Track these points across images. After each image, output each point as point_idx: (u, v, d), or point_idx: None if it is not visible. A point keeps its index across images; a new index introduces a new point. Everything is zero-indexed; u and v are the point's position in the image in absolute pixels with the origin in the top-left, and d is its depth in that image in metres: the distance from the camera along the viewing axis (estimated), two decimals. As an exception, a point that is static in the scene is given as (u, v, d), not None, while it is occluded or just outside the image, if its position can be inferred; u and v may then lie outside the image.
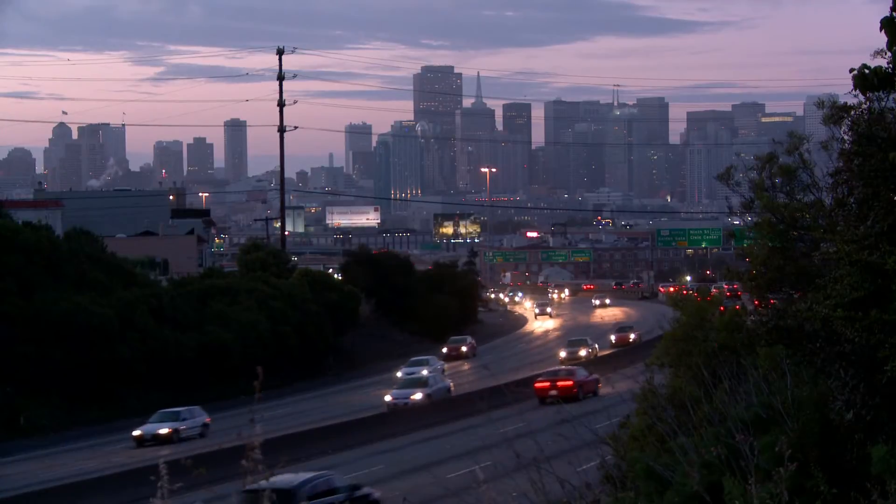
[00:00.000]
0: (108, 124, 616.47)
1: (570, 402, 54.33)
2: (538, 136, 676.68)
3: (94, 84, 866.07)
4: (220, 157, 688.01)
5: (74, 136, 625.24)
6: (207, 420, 57.75)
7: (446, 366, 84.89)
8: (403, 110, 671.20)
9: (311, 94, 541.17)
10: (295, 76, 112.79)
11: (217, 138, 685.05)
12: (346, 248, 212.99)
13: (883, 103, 15.28)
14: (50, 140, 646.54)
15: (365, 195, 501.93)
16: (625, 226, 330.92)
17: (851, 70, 14.20)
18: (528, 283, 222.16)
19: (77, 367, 66.79)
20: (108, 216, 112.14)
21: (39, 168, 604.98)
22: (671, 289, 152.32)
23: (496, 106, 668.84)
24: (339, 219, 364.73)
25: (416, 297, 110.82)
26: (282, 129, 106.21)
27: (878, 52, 14.20)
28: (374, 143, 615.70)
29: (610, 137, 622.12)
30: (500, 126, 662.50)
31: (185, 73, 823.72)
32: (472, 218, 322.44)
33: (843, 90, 15.48)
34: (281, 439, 46.16)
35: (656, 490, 14.52)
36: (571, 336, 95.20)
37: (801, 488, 12.38)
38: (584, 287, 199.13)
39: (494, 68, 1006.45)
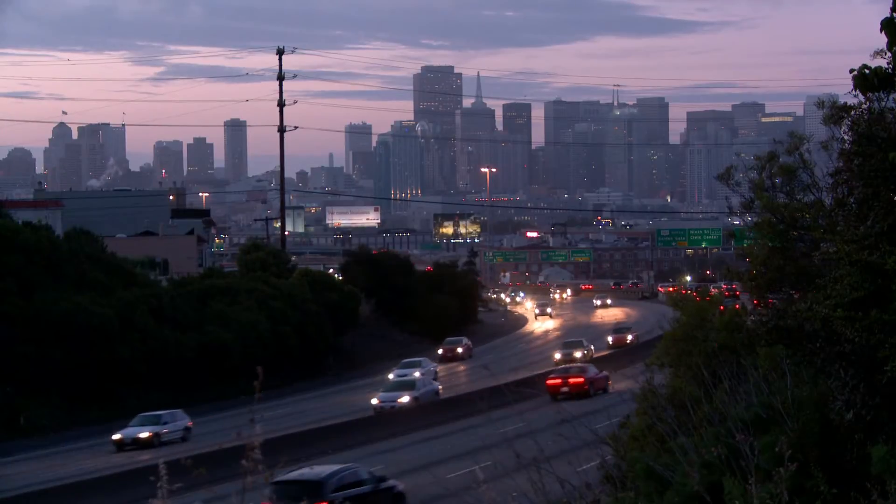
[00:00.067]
0: (108, 124, 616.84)
1: (582, 398, 56.72)
2: (538, 136, 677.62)
3: (94, 84, 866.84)
4: (220, 157, 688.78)
5: (74, 136, 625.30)
6: (189, 423, 56.98)
7: (441, 367, 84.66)
8: (403, 110, 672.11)
9: (311, 94, 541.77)
10: (295, 76, 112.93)
11: (217, 138, 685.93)
12: (346, 248, 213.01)
13: (883, 103, 15.28)
14: (50, 140, 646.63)
15: (365, 195, 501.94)
16: (625, 226, 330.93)
17: (851, 70, 14.22)
18: (527, 283, 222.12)
19: (77, 367, 66.80)
20: (108, 216, 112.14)
21: (39, 168, 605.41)
22: (670, 289, 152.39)
23: (496, 106, 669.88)
24: (339, 219, 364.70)
25: (416, 297, 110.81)
26: (282, 129, 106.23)
27: (878, 53, 14.22)
28: (374, 143, 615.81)
29: (610, 137, 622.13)
30: (500, 126, 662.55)
31: (185, 73, 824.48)
32: (472, 218, 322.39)
33: (843, 90, 15.50)
34: (281, 439, 46.15)
35: (656, 490, 14.52)
36: (572, 336, 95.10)
37: (801, 488, 12.38)
38: (583, 287, 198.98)
39: (494, 68, 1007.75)
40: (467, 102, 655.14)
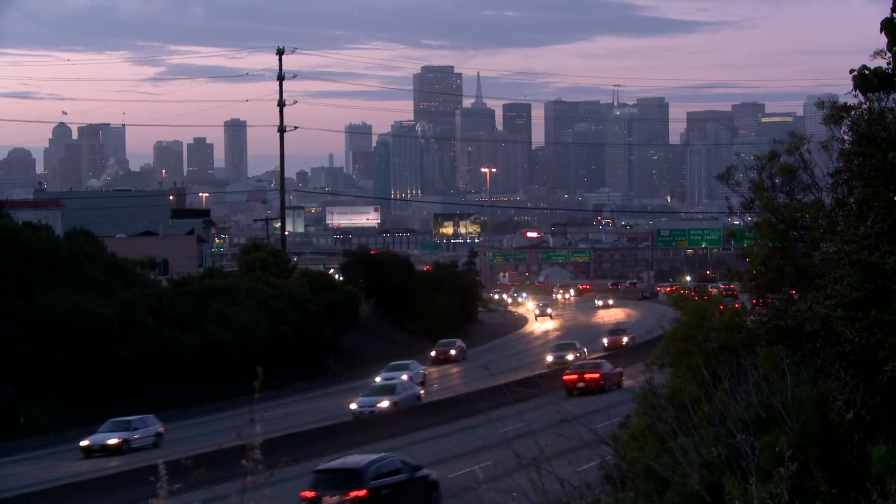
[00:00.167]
0: (108, 124, 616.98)
1: (597, 393, 58.42)
2: (538, 136, 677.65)
3: (94, 84, 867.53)
4: (220, 157, 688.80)
5: (74, 136, 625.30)
6: (161, 429, 55.55)
7: (434, 370, 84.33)
8: (403, 110, 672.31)
9: (311, 94, 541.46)
10: (295, 76, 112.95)
11: (217, 138, 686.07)
12: (346, 248, 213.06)
13: (883, 104, 15.29)
14: (50, 140, 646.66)
15: (365, 195, 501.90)
16: (625, 226, 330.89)
17: (851, 71, 14.22)
18: (527, 283, 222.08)
19: (77, 367, 66.79)
20: (108, 216, 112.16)
21: (39, 168, 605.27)
22: (668, 289, 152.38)
23: (496, 106, 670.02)
24: (339, 219, 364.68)
25: (416, 298, 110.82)
26: (282, 129, 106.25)
27: (878, 53, 14.22)
28: (374, 143, 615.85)
29: (610, 137, 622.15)
30: (500, 126, 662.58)
31: (185, 73, 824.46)
32: (472, 218, 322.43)
33: (844, 90, 15.50)
34: (281, 439, 46.21)
35: (656, 490, 14.52)
36: (572, 336, 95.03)
37: (801, 488, 12.38)
38: (580, 287, 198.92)
39: (494, 68, 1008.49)
40: (467, 102, 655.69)
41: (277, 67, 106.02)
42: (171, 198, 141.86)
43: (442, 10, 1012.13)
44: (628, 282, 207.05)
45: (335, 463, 33.66)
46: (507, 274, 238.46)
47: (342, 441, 49.47)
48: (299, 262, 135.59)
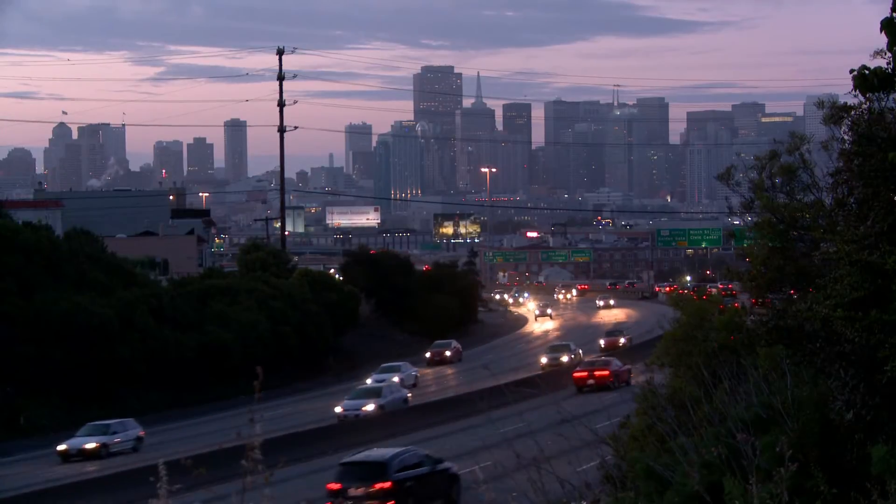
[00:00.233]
0: (108, 124, 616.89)
1: (607, 390, 59.02)
2: (538, 136, 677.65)
3: (94, 84, 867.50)
4: (220, 157, 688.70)
5: (74, 136, 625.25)
6: (141, 433, 54.70)
7: (429, 371, 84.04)
8: (403, 110, 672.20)
9: (311, 94, 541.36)
10: (295, 76, 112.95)
11: (217, 138, 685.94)
12: (346, 248, 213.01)
13: (883, 103, 15.28)
14: (50, 140, 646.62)
15: (365, 195, 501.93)
16: (625, 226, 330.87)
17: (851, 71, 14.22)
18: (527, 282, 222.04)
19: (77, 367, 66.79)
20: (108, 216, 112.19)
21: (39, 168, 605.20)
22: (667, 288, 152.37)
23: (496, 106, 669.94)
24: (339, 219, 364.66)
25: (416, 297, 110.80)
26: (282, 129, 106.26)
27: (878, 53, 14.21)
28: (374, 143, 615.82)
29: (610, 137, 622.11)
30: (500, 126, 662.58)
31: (185, 73, 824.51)
32: (472, 218, 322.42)
33: (844, 90, 15.49)
34: (281, 439, 46.23)
35: (656, 490, 14.52)
36: (572, 336, 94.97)
37: (801, 488, 12.38)
38: (579, 287, 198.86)
39: (494, 68, 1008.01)
40: (467, 102, 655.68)
41: (277, 67, 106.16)
42: (171, 198, 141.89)
43: (442, 10, 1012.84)
44: (626, 282, 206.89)
45: (360, 456, 34.82)
46: (506, 274, 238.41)
47: (342, 441, 49.47)
48: (299, 262, 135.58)
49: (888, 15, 13.81)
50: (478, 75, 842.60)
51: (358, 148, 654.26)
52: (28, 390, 65.07)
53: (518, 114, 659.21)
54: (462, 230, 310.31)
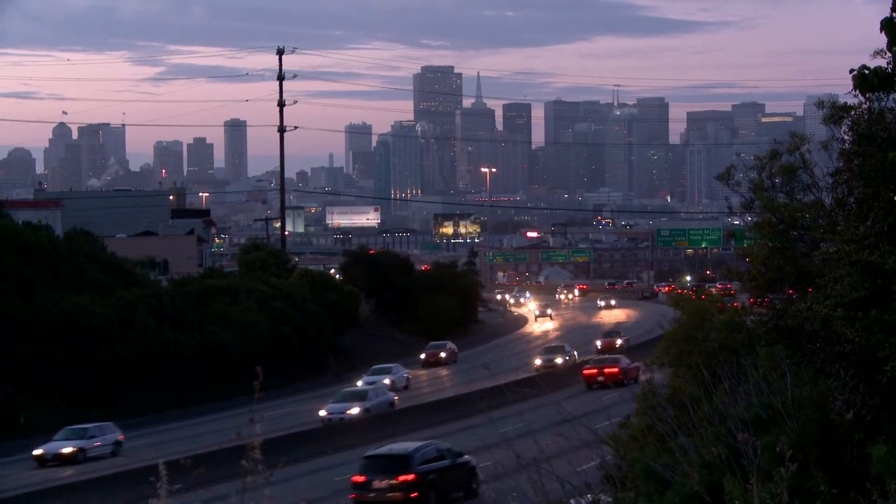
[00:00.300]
0: (108, 124, 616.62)
1: (617, 387, 59.51)
2: (538, 136, 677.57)
3: (94, 84, 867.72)
4: (220, 157, 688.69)
5: (74, 136, 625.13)
6: (120, 437, 53.87)
7: (424, 373, 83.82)
8: (403, 110, 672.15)
9: (311, 94, 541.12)
10: (295, 76, 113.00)
11: (217, 138, 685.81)
12: (345, 248, 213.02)
13: (883, 103, 15.28)
14: (50, 140, 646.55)
15: (365, 195, 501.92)
16: (625, 226, 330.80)
17: (851, 70, 14.21)
18: (527, 282, 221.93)
19: (77, 367, 66.79)
20: (108, 216, 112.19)
21: (39, 168, 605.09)
22: (666, 288, 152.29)
23: (496, 106, 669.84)
24: (339, 219, 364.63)
25: (416, 297, 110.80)
26: (282, 129, 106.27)
27: (878, 53, 14.21)
28: (374, 143, 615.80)
29: (610, 137, 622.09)
30: (500, 126, 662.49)
31: (186, 73, 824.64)
32: (472, 218, 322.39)
33: (844, 90, 15.48)
34: (281, 439, 46.22)
35: (656, 490, 14.51)
36: (573, 337, 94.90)
37: (801, 488, 12.37)
38: (579, 287, 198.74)
39: (494, 68, 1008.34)
40: (467, 102, 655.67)
41: (277, 67, 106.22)
42: (171, 198, 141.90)
43: (442, 10, 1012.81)
44: (626, 282, 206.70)
45: (384, 449, 36.15)
46: (506, 274, 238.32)
47: (342, 441, 49.48)
48: (299, 262, 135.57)
49: (888, 15, 13.82)
50: (478, 75, 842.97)
51: (358, 148, 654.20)
52: (28, 390, 65.09)
53: (518, 114, 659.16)
54: (462, 230, 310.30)
